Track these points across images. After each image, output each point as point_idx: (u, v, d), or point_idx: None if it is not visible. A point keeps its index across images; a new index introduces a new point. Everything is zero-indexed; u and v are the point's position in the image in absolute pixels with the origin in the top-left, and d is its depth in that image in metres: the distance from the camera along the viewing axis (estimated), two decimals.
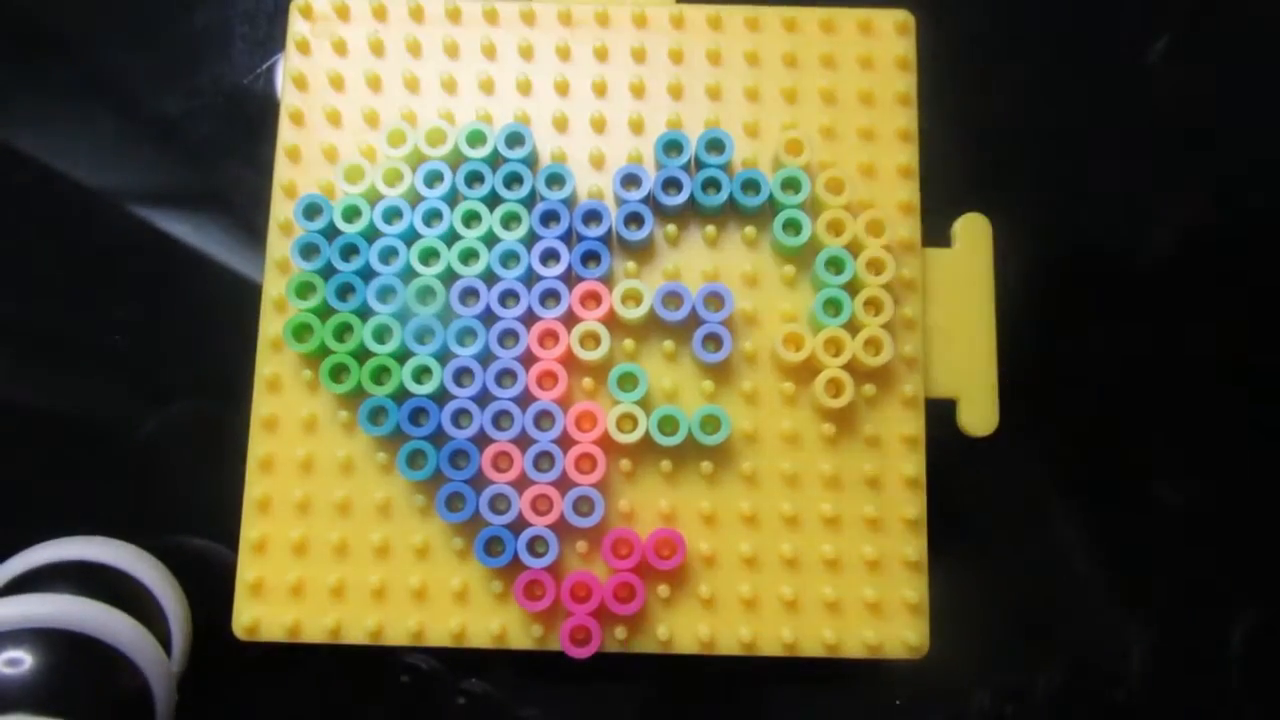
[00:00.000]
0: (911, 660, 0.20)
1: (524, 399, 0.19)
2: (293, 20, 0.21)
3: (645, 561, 0.19)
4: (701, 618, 0.20)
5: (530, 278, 0.20)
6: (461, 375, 0.19)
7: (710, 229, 0.20)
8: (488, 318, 0.20)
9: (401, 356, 0.19)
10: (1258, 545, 0.23)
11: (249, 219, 0.24)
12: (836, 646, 0.19)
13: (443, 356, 0.19)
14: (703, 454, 0.20)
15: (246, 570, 0.20)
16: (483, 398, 0.19)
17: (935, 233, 0.21)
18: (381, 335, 0.19)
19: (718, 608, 0.20)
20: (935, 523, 0.20)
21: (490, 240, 0.20)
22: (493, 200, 0.20)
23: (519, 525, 0.19)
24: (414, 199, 0.20)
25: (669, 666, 0.20)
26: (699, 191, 0.20)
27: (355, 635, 0.19)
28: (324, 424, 0.20)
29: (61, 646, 0.18)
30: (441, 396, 0.19)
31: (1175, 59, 0.25)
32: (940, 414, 0.21)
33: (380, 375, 0.19)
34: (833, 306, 0.20)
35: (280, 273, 0.20)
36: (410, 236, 0.20)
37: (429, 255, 0.20)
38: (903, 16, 0.21)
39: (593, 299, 0.20)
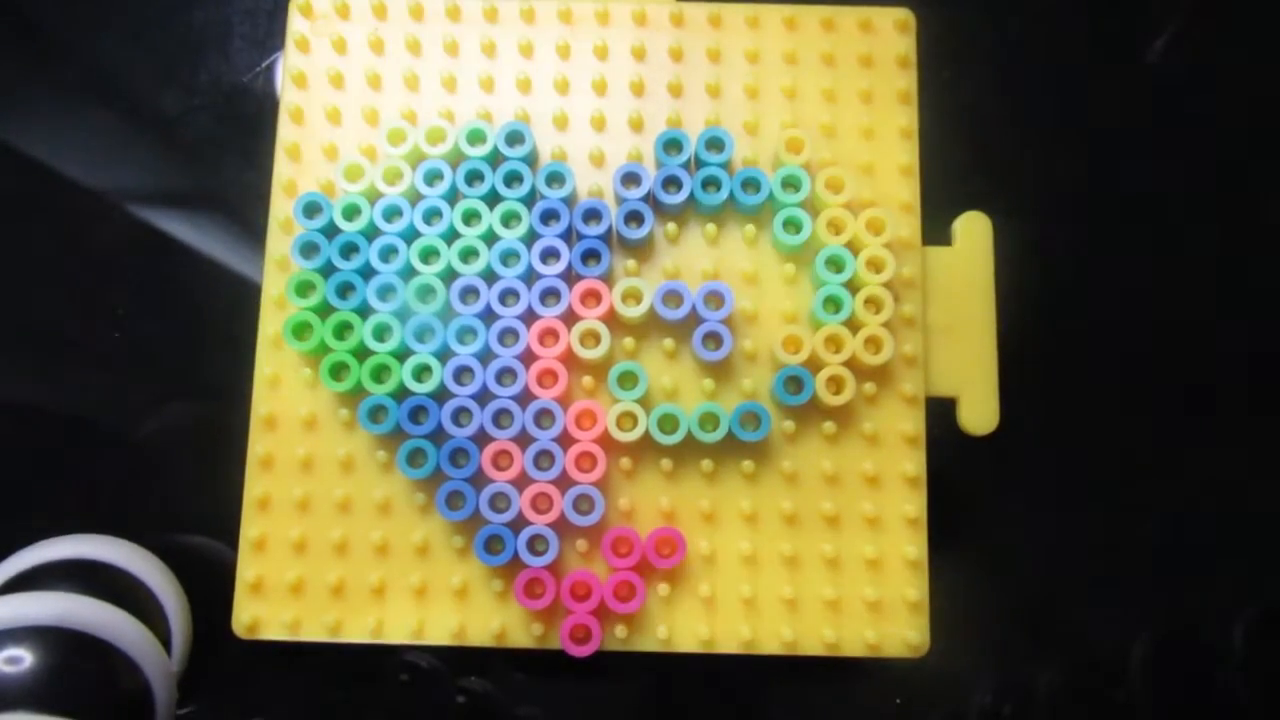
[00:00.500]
0: (912, 659, 0.20)
1: (524, 397, 0.19)
2: (292, 18, 0.21)
3: (645, 560, 0.19)
4: (701, 616, 0.20)
5: (530, 276, 0.20)
6: (461, 373, 0.19)
7: (710, 227, 0.20)
8: (488, 316, 0.20)
9: (401, 355, 0.19)
10: (1258, 545, 0.23)
11: (248, 217, 0.24)
12: (837, 645, 0.19)
13: (443, 355, 0.19)
14: (703, 452, 0.20)
15: (246, 569, 0.20)
16: (483, 396, 0.19)
17: (935, 231, 0.21)
18: (381, 333, 0.19)
19: (718, 606, 0.20)
20: (935, 521, 0.20)
21: (490, 239, 0.20)
22: (493, 199, 0.20)
23: (519, 524, 0.19)
24: (414, 197, 0.20)
25: (669, 665, 0.20)
26: (699, 190, 0.20)
27: (355, 634, 0.19)
28: (324, 422, 0.20)
29: (61, 645, 0.18)
30: (441, 395, 0.19)
31: (1175, 58, 0.25)
32: (940, 412, 0.21)
33: (380, 373, 0.19)
34: (833, 305, 0.20)
35: (280, 271, 0.20)
36: (410, 235, 0.20)
37: (429, 254, 0.20)
38: (903, 14, 0.21)
39: (593, 297, 0.20)
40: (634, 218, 0.20)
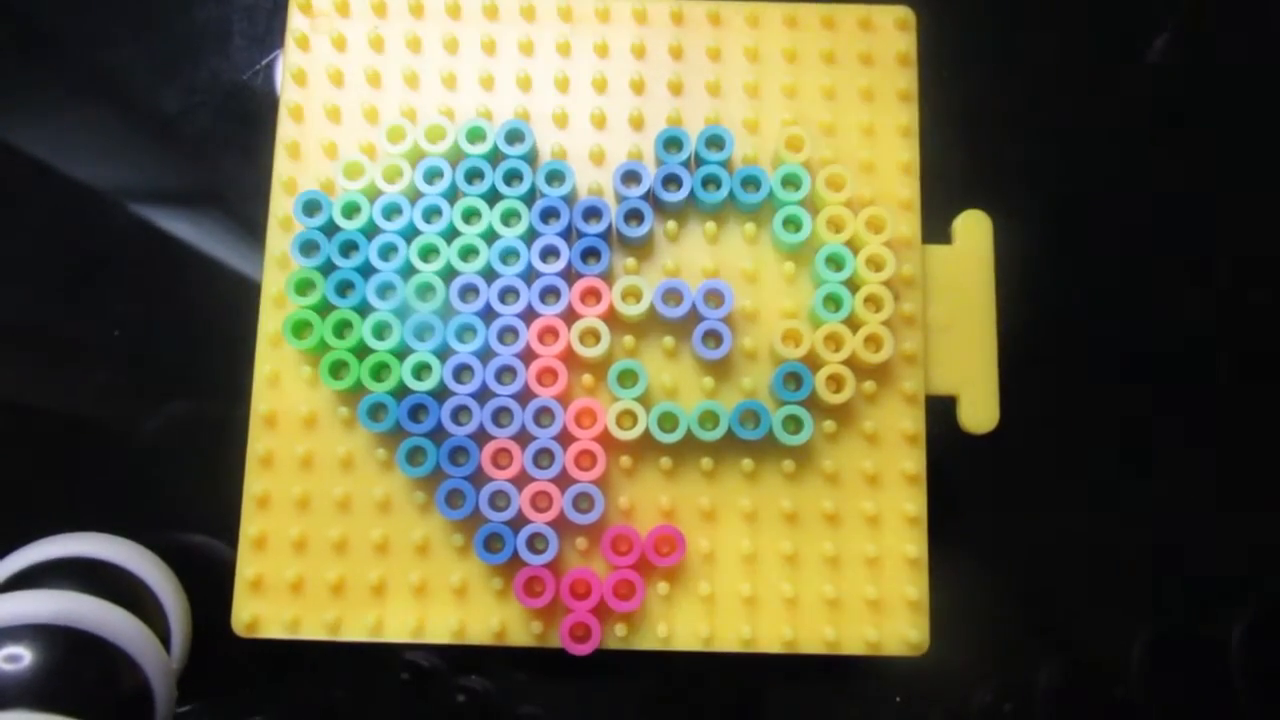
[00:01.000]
0: (912, 657, 0.20)
1: (524, 395, 0.19)
2: (292, 16, 0.21)
3: (645, 558, 0.19)
4: (701, 615, 0.20)
5: (530, 274, 0.20)
6: (461, 372, 0.19)
7: (710, 225, 0.20)
8: (487, 314, 0.20)
9: (401, 353, 0.19)
10: (1258, 545, 0.23)
11: (248, 215, 0.24)
12: (837, 644, 0.19)
13: (442, 353, 0.19)
14: (702, 450, 0.20)
15: (246, 567, 0.20)
16: (482, 394, 0.19)
17: (936, 229, 0.21)
18: (381, 332, 0.19)
19: (718, 605, 0.20)
20: (936, 520, 0.20)
21: (490, 237, 0.20)
22: (492, 197, 0.20)
23: (519, 522, 0.19)
24: (414, 195, 0.20)
25: (669, 664, 0.20)
26: (699, 188, 0.20)
27: (355, 632, 0.19)
28: (323, 420, 0.20)
29: (61, 643, 0.18)
30: (441, 393, 0.19)
31: (1175, 58, 0.25)
32: (941, 411, 0.21)
33: (380, 372, 0.19)
34: (833, 303, 0.20)
35: (279, 269, 0.20)
36: (410, 233, 0.20)
37: (429, 252, 0.20)
38: (903, 12, 0.21)
39: (592, 295, 0.20)
40: (634, 216, 0.20)
